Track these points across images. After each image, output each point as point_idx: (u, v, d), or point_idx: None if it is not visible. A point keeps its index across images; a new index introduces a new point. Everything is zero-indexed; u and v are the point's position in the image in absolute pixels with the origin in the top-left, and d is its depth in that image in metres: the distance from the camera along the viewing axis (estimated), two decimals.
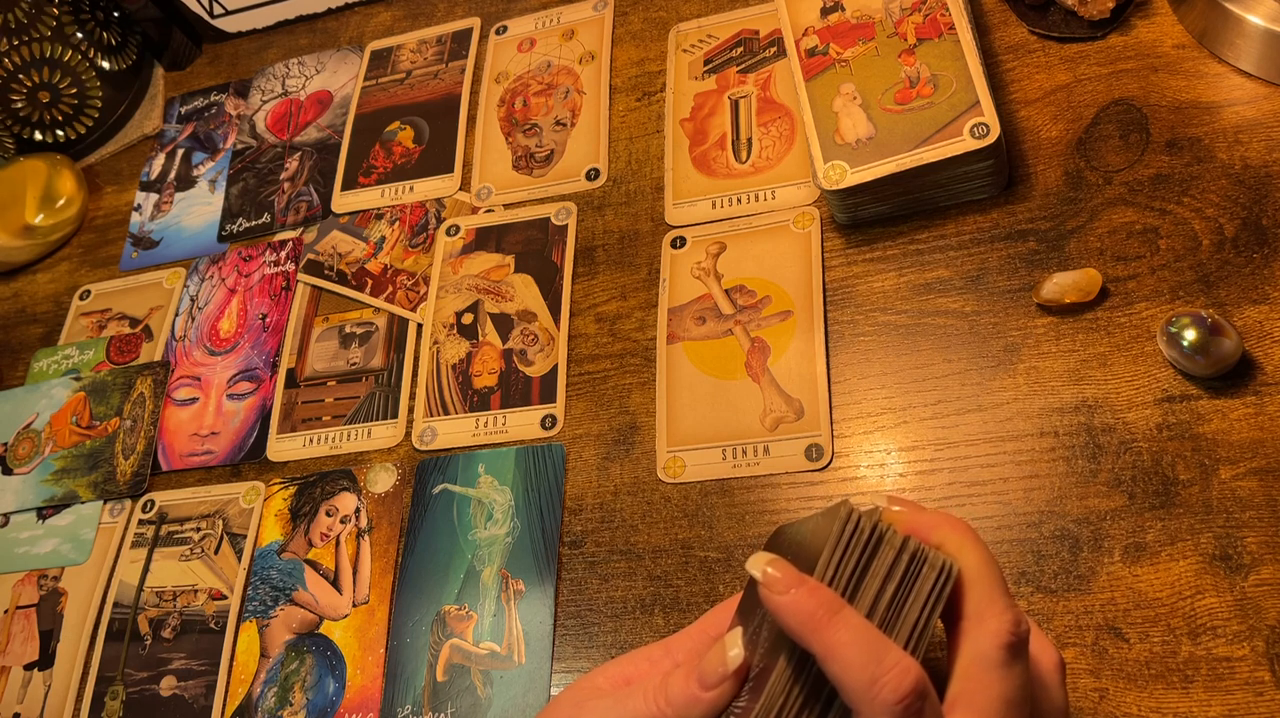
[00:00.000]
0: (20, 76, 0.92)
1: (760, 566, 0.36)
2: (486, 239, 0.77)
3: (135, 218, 0.92)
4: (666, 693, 0.38)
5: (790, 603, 0.35)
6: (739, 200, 0.71)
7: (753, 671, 0.37)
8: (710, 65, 0.78)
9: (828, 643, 0.34)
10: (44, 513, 0.78)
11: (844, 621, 0.34)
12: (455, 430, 0.70)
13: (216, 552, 0.72)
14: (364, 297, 0.78)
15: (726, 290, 0.68)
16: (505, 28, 0.88)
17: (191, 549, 0.72)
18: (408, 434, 0.71)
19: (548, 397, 0.69)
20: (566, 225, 0.75)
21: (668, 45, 0.81)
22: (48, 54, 0.92)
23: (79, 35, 0.94)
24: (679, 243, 0.71)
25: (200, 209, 0.90)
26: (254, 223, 0.86)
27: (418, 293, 0.77)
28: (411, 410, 0.72)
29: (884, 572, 0.36)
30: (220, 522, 0.73)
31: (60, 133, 0.96)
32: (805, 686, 0.35)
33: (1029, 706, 0.36)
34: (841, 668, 0.34)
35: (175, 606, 0.71)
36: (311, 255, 0.82)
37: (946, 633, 0.38)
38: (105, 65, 0.96)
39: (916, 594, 0.36)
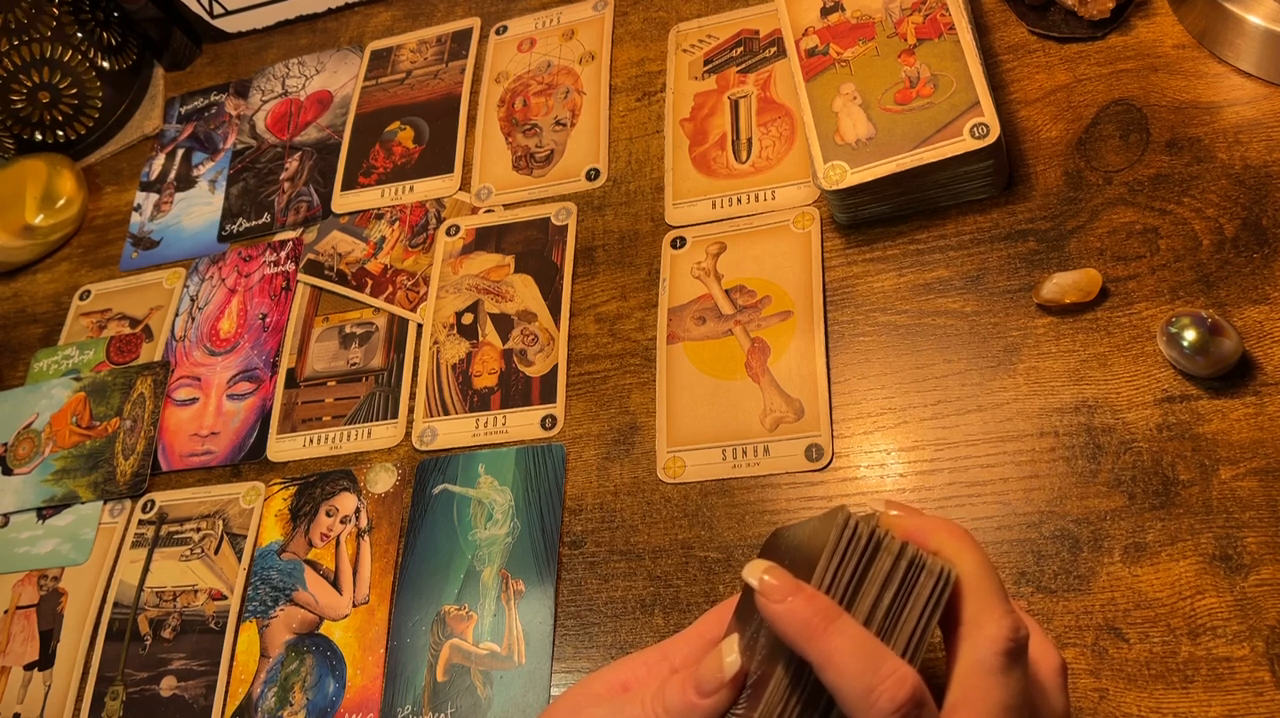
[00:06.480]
0: (20, 76, 0.92)
1: (757, 573, 0.36)
2: (486, 239, 0.77)
3: (135, 218, 0.92)
4: (664, 700, 0.38)
5: (787, 611, 0.35)
6: (739, 200, 0.71)
7: (750, 677, 0.37)
8: (710, 65, 0.78)
9: (824, 651, 0.34)
10: (44, 513, 0.78)
11: (840, 629, 0.34)
12: (455, 431, 0.70)
13: (216, 552, 0.72)
14: (364, 297, 0.78)
15: (726, 290, 0.68)
16: (505, 28, 0.88)
17: (191, 549, 0.72)
18: (408, 434, 0.71)
19: (548, 397, 0.69)
20: (566, 225, 0.75)
21: (668, 45, 0.80)
22: (48, 54, 0.92)
23: (79, 35, 0.94)
24: (679, 243, 0.71)
25: (200, 209, 0.90)
26: (254, 223, 0.86)
27: (418, 293, 0.77)
28: (411, 411, 0.72)
29: (881, 578, 0.36)
30: (220, 522, 0.73)
31: (60, 133, 0.96)
32: (803, 693, 0.35)
33: (1028, 711, 0.36)
34: (838, 676, 0.34)
35: (175, 606, 0.71)
36: (311, 255, 0.82)
37: (944, 639, 0.38)
38: (105, 65, 0.96)
39: (914, 601, 0.36)
